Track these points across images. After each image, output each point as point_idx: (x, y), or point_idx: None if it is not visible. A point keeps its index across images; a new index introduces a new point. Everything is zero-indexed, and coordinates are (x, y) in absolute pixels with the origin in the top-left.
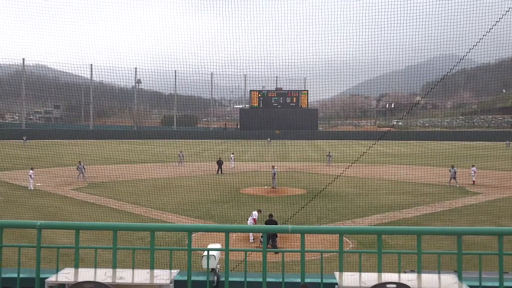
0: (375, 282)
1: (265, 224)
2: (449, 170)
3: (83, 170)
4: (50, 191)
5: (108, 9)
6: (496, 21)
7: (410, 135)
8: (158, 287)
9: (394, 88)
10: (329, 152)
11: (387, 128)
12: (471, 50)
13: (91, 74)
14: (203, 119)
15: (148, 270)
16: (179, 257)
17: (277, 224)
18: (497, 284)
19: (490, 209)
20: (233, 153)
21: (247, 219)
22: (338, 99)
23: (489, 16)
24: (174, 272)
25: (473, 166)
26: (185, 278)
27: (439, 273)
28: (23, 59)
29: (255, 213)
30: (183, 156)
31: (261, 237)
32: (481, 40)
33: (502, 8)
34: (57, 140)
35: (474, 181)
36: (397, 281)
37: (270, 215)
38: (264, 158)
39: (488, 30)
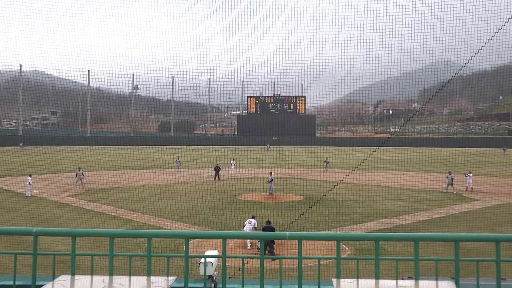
0: None
1: (263, 230)
2: (446, 177)
3: (82, 176)
4: (47, 198)
5: (106, 15)
6: (499, 29)
7: (407, 141)
8: None
9: (391, 95)
10: (327, 158)
11: (385, 135)
12: (472, 58)
13: (89, 80)
14: (201, 125)
15: (145, 277)
16: (176, 264)
17: (274, 230)
18: None
19: (487, 216)
20: (233, 159)
21: (243, 226)
22: (336, 106)
23: (486, 24)
24: (171, 279)
25: (470, 172)
26: (182, 285)
27: (436, 280)
28: (20, 65)
29: (254, 221)
30: (180, 163)
31: (259, 243)
32: (482, 48)
33: (500, 17)
34: (54, 147)
35: (471, 188)
36: None
37: (268, 222)
38: (262, 164)
39: (490, 38)
